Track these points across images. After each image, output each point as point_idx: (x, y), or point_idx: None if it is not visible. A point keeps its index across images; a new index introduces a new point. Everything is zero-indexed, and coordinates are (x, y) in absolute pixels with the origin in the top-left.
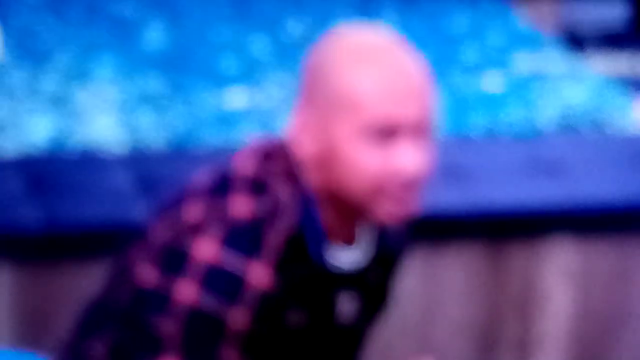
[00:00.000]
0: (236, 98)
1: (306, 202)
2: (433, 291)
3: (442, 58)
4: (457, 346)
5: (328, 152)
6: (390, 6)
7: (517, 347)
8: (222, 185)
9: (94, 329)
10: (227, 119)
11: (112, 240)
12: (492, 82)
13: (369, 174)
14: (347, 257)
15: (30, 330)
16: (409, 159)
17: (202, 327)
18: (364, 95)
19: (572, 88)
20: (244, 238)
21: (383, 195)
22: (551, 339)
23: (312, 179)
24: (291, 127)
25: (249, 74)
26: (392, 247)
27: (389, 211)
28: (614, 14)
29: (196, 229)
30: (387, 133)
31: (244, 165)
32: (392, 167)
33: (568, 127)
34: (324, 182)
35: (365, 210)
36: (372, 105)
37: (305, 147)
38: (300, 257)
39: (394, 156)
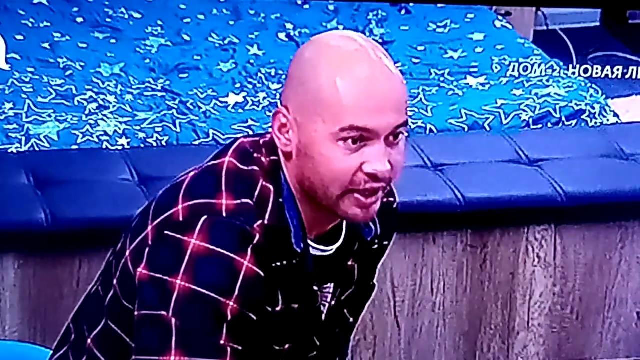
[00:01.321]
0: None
1: (286, 196)
2: (420, 281)
3: (428, 57)
4: (442, 333)
5: (304, 151)
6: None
7: (501, 335)
8: (208, 181)
9: (91, 323)
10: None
11: (116, 235)
12: (476, 80)
13: (339, 175)
14: (325, 247)
15: (35, 324)
16: (379, 164)
17: (199, 318)
18: (341, 104)
19: (552, 86)
20: (229, 231)
21: (351, 197)
22: (533, 327)
23: (290, 174)
24: (273, 124)
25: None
26: (371, 237)
27: (355, 212)
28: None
29: (184, 224)
30: (361, 138)
31: (229, 161)
32: (362, 171)
33: (548, 122)
34: (299, 178)
35: (333, 209)
36: (348, 114)
37: (284, 144)
38: (282, 248)
39: (364, 160)
